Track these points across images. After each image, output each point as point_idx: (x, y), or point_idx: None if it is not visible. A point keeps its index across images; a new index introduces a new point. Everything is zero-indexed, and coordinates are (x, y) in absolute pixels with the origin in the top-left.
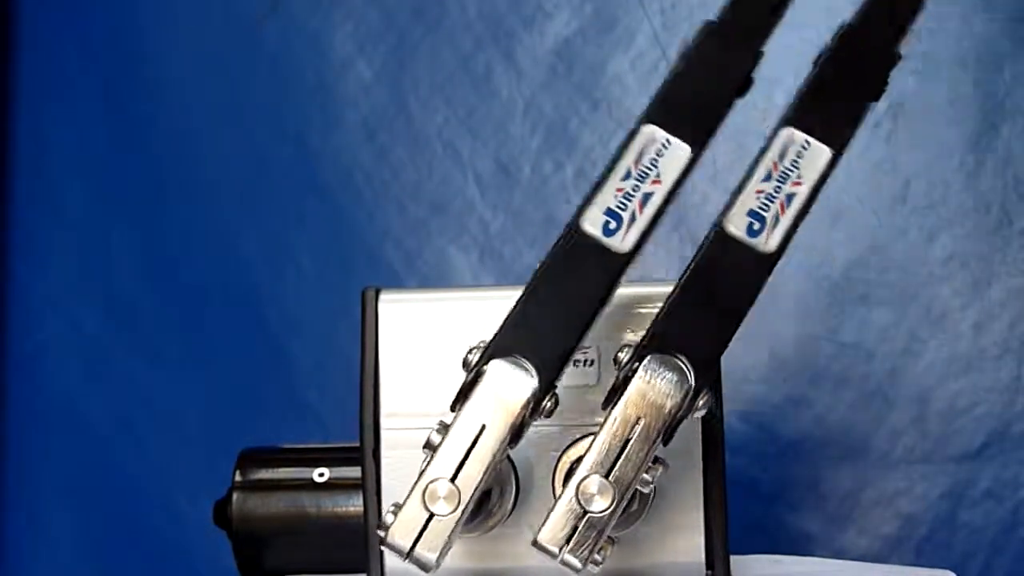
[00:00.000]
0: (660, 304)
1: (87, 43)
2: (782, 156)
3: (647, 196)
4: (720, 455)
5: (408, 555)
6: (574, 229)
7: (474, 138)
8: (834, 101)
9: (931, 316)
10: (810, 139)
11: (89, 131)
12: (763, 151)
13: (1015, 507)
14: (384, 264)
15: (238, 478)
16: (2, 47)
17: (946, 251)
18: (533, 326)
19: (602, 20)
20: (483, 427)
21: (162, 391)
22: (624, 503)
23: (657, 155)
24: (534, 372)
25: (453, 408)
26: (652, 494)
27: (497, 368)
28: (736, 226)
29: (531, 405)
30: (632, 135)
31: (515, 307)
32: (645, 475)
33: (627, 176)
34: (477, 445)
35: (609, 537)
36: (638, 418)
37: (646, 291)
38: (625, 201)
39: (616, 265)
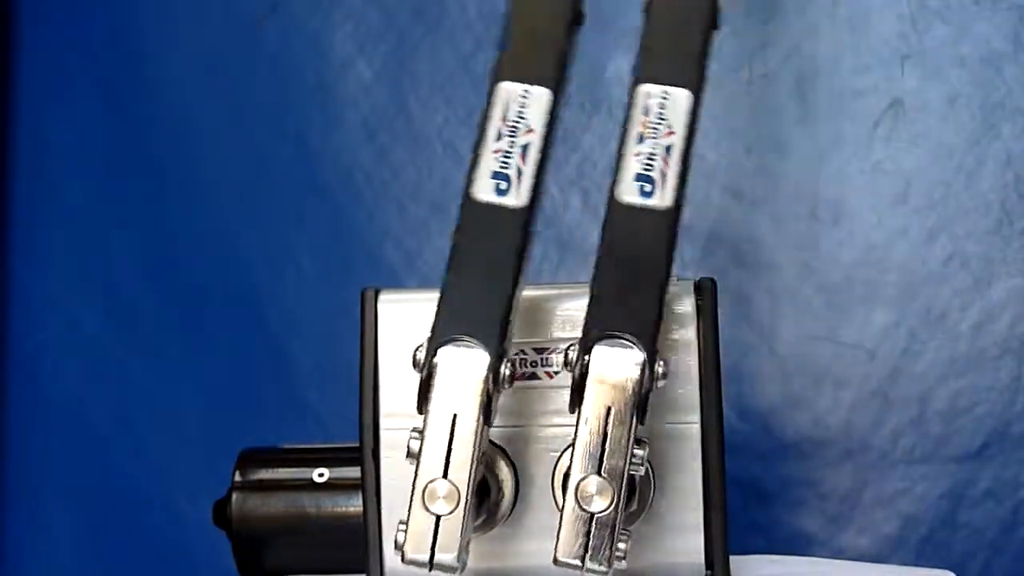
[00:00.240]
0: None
1: (87, 43)
2: (646, 113)
3: (525, 148)
4: (720, 455)
5: (431, 565)
6: (469, 203)
7: (474, 138)
8: (674, 43)
9: (931, 316)
10: (667, 88)
11: (89, 131)
12: (627, 116)
13: (1015, 507)
14: (384, 264)
15: (238, 478)
16: (2, 47)
17: (946, 251)
18: (465, 305)
19: (602, 20)
20: (455, 416)
21: (162, 391)
22: (625, 493)
23: (520, 107)
24: (481, 347)
25: (420, 410)
26: (651, 494)
27: (446, 356)
28: (629, 194)
29: (490, 378)
30: (490, 97)
31: (442, 295)
32: (635, 456)
33: (499, 137)
34: (455, 435)
35: (624, 529)
36: (607, 407)
37: None
38: (506, 159)
39: (520, 220)
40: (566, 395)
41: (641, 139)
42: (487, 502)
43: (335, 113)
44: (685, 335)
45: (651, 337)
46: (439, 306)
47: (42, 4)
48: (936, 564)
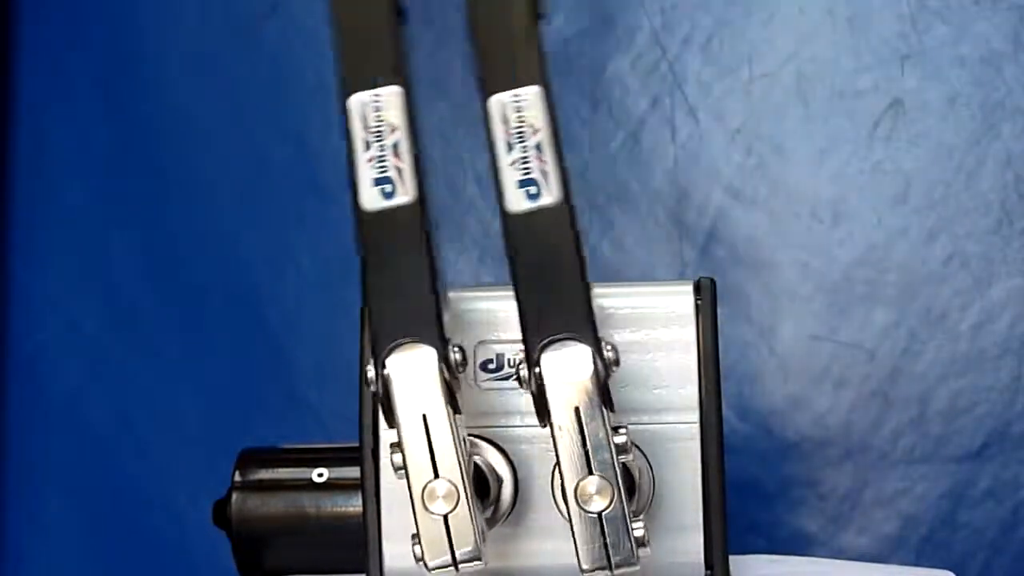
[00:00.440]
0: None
1: (87, 43)
2: (505, 121)
3: (395, 146)
4: (719, 455)
5: (455, 565)
6: (362, 216)
7: (474, 138)
8: (507, 45)
9: (931, 316)
10: (515, 91)
11: (89, 131)
12: (488, 132)
13: (1015, 507)
14: None
15: (237, 478)
16: (2, 47)
17: (946, 251)
18: (394, 311)
19: (602, 20)
20: (424, 417)
21: (162, 391)
22: (623, 483)
23: (376, 111)
24: (424, 343)
25: (390, 424)
26: (651, 494)
27: (395, 363)
28: (517, 202)
29: (444, 369)
30: (346, 115)
31: (366, 311)
32: (618, 445)
33: (367, 146)
34: (432, 434)
35: (636, 515)
36: (575, 409)
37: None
38: (382, 164)
39: (415, 215)
40: None
41: (510, 148)
42: (487, 500)
43: (335, 113)
44: (684, 335)
45: (590, 328)
46: (371, 322)
47: (42, 4)
48: (936, 564)
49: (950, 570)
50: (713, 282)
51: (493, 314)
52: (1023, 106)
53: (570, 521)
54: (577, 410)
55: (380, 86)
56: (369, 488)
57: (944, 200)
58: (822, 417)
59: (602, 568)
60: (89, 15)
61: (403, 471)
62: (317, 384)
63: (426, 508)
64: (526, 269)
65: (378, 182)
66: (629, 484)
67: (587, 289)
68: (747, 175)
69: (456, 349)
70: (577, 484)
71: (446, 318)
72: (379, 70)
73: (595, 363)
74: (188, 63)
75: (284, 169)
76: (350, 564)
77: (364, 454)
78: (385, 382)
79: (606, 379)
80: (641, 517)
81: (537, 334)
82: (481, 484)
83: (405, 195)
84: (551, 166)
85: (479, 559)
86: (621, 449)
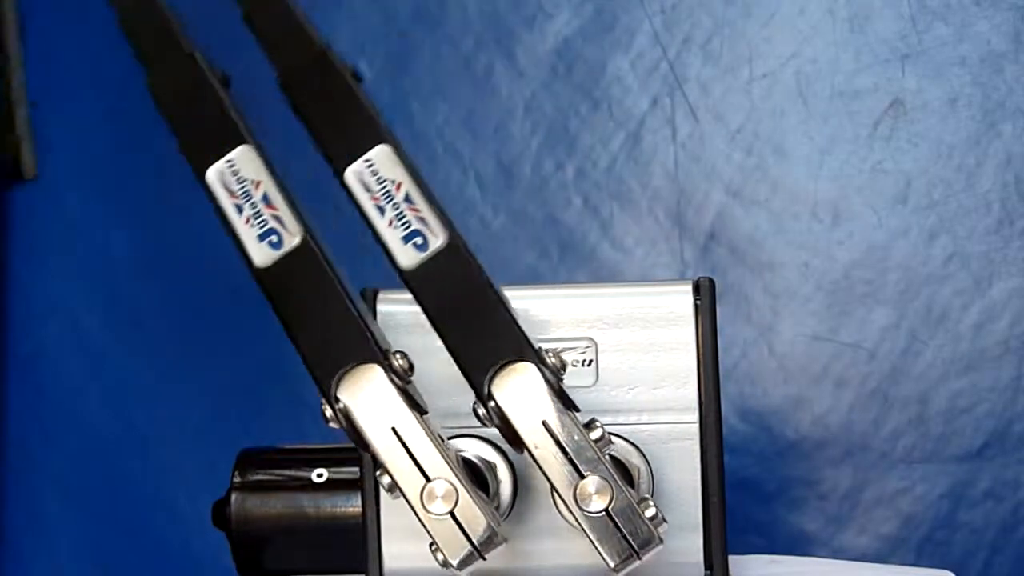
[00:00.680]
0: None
1: (87, 43)
2: (367, 189)
3: (265, 197)
4: (719, 454)
5: (479, 552)
6: (260, 274)
7: (474, 138)
8: (337, 120)
9: (931, 316)
10: (364, 157)
11: (89, 131)
12: (357, 205)
13: (1015, 507)
14: (384, 264)
15: (237, 478)
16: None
17: (946, 251)
18: (326, 344)
19: (602, 20)
20: (394, 429)
21: (162, 391)
22: (618, 473)
23: (234, 174)
24: (364, 362)
25: (366, 450)
26: (651, 492)
27: (346, 392)
28: (410, 259)
29: (392, 377)
30: (207, 191)
31: (302, 356)
32: (597, 440)
33: (239, 210)
34: (408, 442)
35: (642, 498)
36: (542, 423)
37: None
38: (258, 219)
39: (308, 250)
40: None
41: (382, 211)
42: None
43: None
44: (684, 335)
45: (524, 344)
46: (308, 366)
47: (42, 4)
48: (936, 564)
49: (950, 570)
50: (712, 282)
51: None
52: (1023, 106)
53: (581, 528)
54: (545, 424)
55: (228, 152)
56: (368, 488)
57: (944, 200)
58: (822, 417)
59: (629, 558)
60: (89, 15)
61: (395, 489)
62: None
63: (430, 512)
64: (442, 314)
65: (263, 237)
66: (624, 472)
67: (506, 307)
68: (747, 175)
69: (398, 356)
70: (575, 492)
71: (376, 330)
72: (222, 138)
73: (543, 374)
74: None
75: (283, 169)
76: (349, 564)
77: (363, 454)
78: (345, 413)
79: (560, 384)
80: (647, 497)
81: (479, 370)
82: (481, 485)
83: (293, 238)
84: (426, 211)
85: (497, 537)
86: (602, 443)
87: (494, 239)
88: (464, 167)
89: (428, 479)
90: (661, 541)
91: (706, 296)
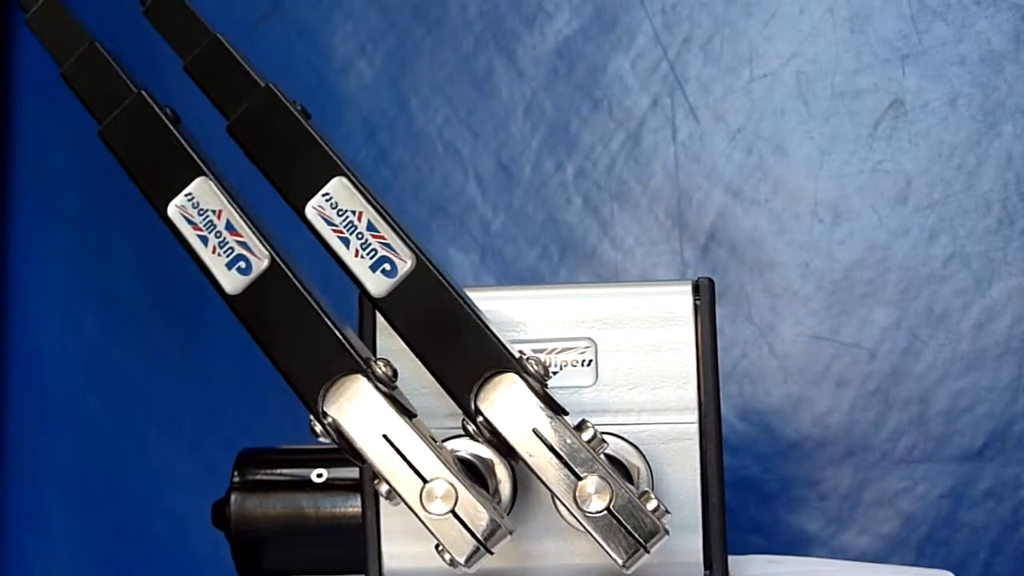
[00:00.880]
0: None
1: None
2: (329, 222)
3: (229, 224)
4: (718, 454)
5: (485, 547)
6: (233, 301)
7: (475, 138)
8: (290, 159)
9: (932, 316)
10: (322, 192)
11: (89, 131)
12: (320, 239)
13: (1016, 507)
14: None
15: (236, 479)
16: (2, 47)
17: (947, 251)
18: (306, 364)
19: (602, 20)
20: (385, 436)
21: (162, 391)
22: (615, 471)
23: (194, 207)
24: (348, 373)
25: (359, 461)
26: (651, 490)
27: (333, 405)
28: (380, 286)
29: (377, 386)
30: (171, 226)
31: (284, 375)
32: (589, 441)
33: (205, 241)
34: (401, 447)
35: (642, 492)
36: (532, 430)
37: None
38: (224, 247)
39: (279, 273)
40: (564, 395)
41: (347, 242)
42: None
43: (335, 113)
44: (683, 335)
45: (504, 354)
46: (291, 384)
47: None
48: (936, 564)
49: (950, 570)
50: (712, 282)
51: (493, 315)
52: (1023, 106)
53: (586, 530)
54: (536, 431)
55: (185, 186)
56: (368, 489)
57: (945, 200)
58: (822, 417)
59: (636, 552)
60: (89, 15)
61: (394, 496)
62: None
63: (431, 513)
64: (419, 336)
65: (231, 265)
66: (620, 470)
67: (482, 321)
68: (747, 175)
69: (380, 363)
70: (574, 495)
71: (354, 340)
72: (177, 175)
73: (527, 382)
74: None
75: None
76: (349, 565)
77: None
78: (334, 427)
79: (544, 389)
80: (646, 489)
81: (463, 387)
82: (480, 484)
83: (261, 261)
84: (391, 236)
85: (501, 528)
86: (594, 442)
87: (494, 239)
88: (464, 167)
89: (425, 481)
90: (667, 532)
91: (706, 296)
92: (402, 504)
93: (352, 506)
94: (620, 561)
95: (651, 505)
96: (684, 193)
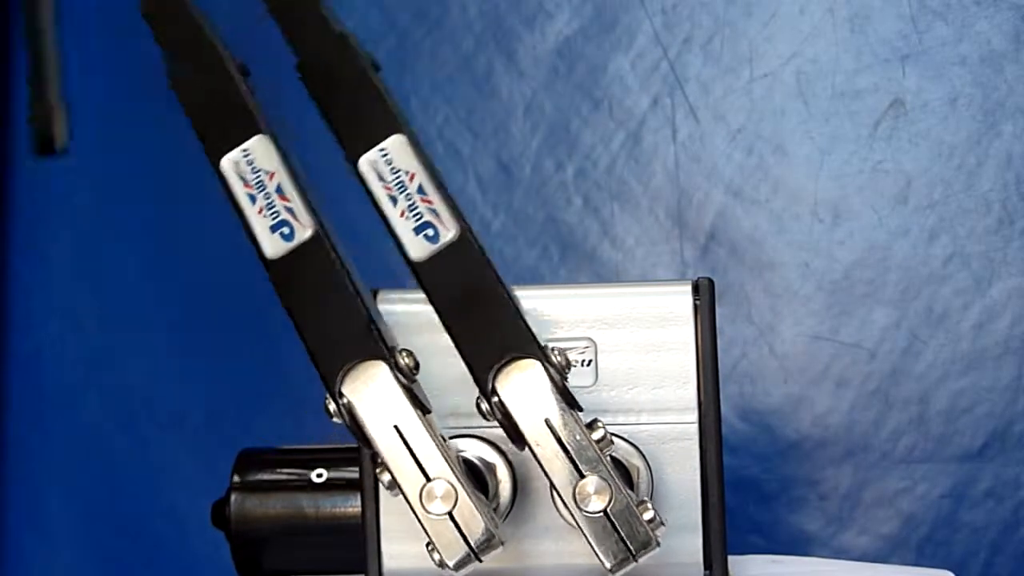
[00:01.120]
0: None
1: (87, 43)
2: (381, 178)
3: (279, 188)
4: (718, 454)
5: (475, 555)
6: (270, 265)
7: (475, 138)
8: (353, 107)
9: (932, 316)
10: (379, 147)
11: (89, 132)
12: (369, 193)
13: (1016, 507)
14: (383, 264)
15: (236, 479)
16: (2, 47)
17: (947, 251)
18: (333, 339)
19: (603, 20)
20: (396, 427)
21: (162, 391)
22: (618, 474)
23: (249, 164)
24: (371, 358)
25: (367, 447)
26: (650, 493)
27: (351, 387)
28: (420, 250)
29: (399, 377)
30: (222, 181)
31: (309, 350)
32: (598, 440)
33: (253, 200)
34: (410, 441)
35: (641, 500)
36: (544, 420)
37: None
38: (271, 210)
39: (320, 244)
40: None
41: (394, 201)
42: (487, 499)
43: None
44: (683, 335)
45: (531, 341)
46: (313, 359)
47: None
48: (937, 564)
49: (950, 570)
50: (711, 282)
51: None
52: (1023, 106)
53: (579, 527)
54: (548, 422)
55: (243, 140)
56: (368, 488)
57: (945, 200)
58: (822, 417)
59: (625, 560)
60: (89, 15)
61: (395, 487)
62: (317, 384)
63: (429, 512)
64: (450, 307)
65: (275, 228)
66: (624, 473)
67: (514, 303)
68: (747, 175)
69: (404, 354)
70: (574, 492)
71: (384, 328)
72: (239, 127)
73: (548, 372)
74: None
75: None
76: (349, 565)
77: (363, 455)
78: (348, 409)
79: (564, 383)
80: (646, 499)
81: (484, 366)
82: (479, 483)
83: (305, 230)
84: (439, 203)
85: (494, 539)
86: (603, 443)
87: (494, 239)
88: (464, 167)
89: (428, 478)
90: (658, 544)
91: (706, 296)
92: (402, 504)
93: (352, 506)
94: (607, 565)
95: (648, 515)
96: (684, 193)
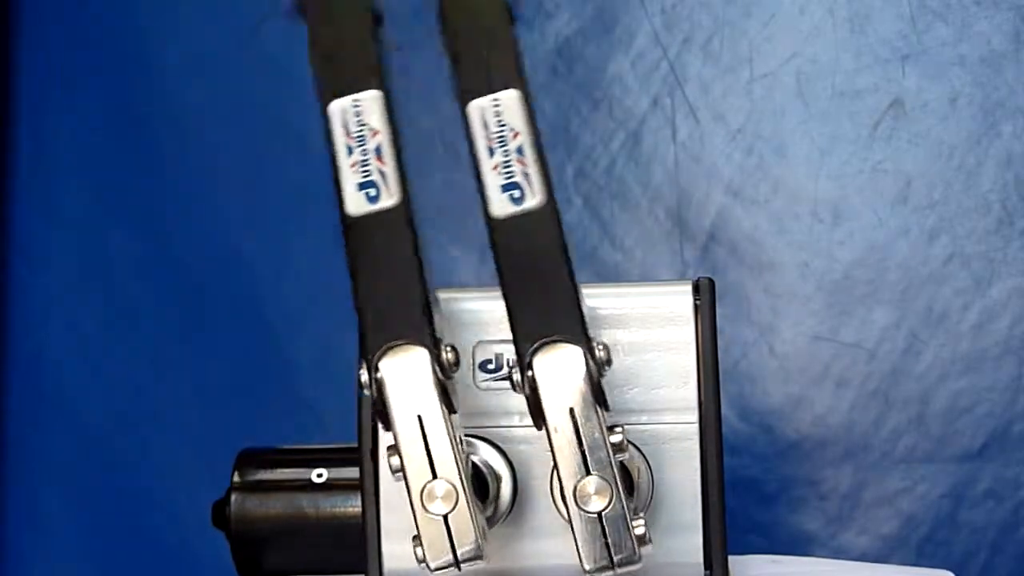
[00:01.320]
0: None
1: (87, 43)
2: (486, 126)
3: (378, 149)
4: (718, 454)
5: (457, 564)
6: (348, 222)
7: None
8: (482, 49)
9: (932, 316)
10: (495, 96)
11: (89, 132)
12: (469, 137)
13: (1016, 507)
14: None
15: (236, 479)
16: (2, 47)
17: (947, 251)
18: (385, 312)
19: (602, 20)
20: (420, 417)
21: (162, 391)
22: (622, 481)
23: (357, 116)
24: (416, 344)
25: (386, 427)
26: (650, 493)
27: (388, 366)
28: (502, 207)
29: (437, 369)
30: (325, 123)
31: (360, 314)
32: (614, 444)
33: (350, 152)
34: (428, 435)
35: (635, 514)
36: (569, 410)
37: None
38: (365, 168)
39: (401, 216)
40: None
41: (491, 152)
42: (486, 500)
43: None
44: (683, 335)
45: (580, 329)
46: (361, 325)
47: (42, 4)
48: (937, 564)
49: (950, 570)
50: (712, 282)
51: (492, 314)
52: (1023, 106)
53: (570, 522)
54: (572, 411)
55: (359, 91)
56: (368, 488)
57: (944, 200)
58: (822, 417)
59: (605, 567)
60: (89, 15)
61: (401, 473)
62: (317, 384)
63: (425, 509)
64: (513, 273)
65: (362, 186)
66: (628, 483)
67: (576, 289)
68: (747, 175)
69: (448, 349)
70: (575, 485)
71: (438, 318)
72: (357, 76)
73: (587, 363)
74: (188, 63)
75: (284, 169)
76: (349, 565)
77: (363, 455)
78: (379, 385)
79: (599, 379)
80: (642, 515)
81: (528, 337)
82: (480, 484)
83: (390, 198)
84: (533, 169)
85: (480, 557)
86: (618, 448)
87: None
88: (464, 167)
89: (434, 476)
90: (640, 560)
91: (706, 296)
92: (402, 504)
93: (352, 506)
94: (586, 567)
95: (639, 530)
96: (684, 193)
